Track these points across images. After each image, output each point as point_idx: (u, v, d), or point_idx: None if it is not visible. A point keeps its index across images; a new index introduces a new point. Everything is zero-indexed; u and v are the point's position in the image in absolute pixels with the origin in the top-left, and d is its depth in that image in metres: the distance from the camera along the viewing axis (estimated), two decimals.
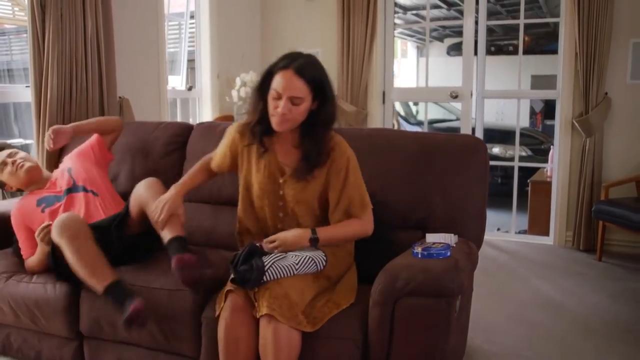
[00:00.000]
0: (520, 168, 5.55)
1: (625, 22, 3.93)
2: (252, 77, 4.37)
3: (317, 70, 1.93)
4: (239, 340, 1.80)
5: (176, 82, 4.51)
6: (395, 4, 4.97)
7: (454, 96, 4.54)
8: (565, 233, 4.23)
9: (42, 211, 2.43)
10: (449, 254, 1.82)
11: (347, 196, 1.95)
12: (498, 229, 4.94)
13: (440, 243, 1.89)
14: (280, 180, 1.99)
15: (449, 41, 10.45)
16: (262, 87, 1.93)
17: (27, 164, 2.52)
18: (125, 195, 2.64)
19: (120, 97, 3.46)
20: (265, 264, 1.79)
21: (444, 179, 2.25)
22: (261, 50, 5.04)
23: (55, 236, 2.09)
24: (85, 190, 2.50)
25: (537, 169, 5.34)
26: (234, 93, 4.34)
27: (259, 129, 1.99)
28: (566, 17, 4.06)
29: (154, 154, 2.86)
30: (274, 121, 1.90)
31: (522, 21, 4.50)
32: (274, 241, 1.89)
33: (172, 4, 4.50)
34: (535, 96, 8.15)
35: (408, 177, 2.29)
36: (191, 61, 4.62)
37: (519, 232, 4.73)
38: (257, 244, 1.89)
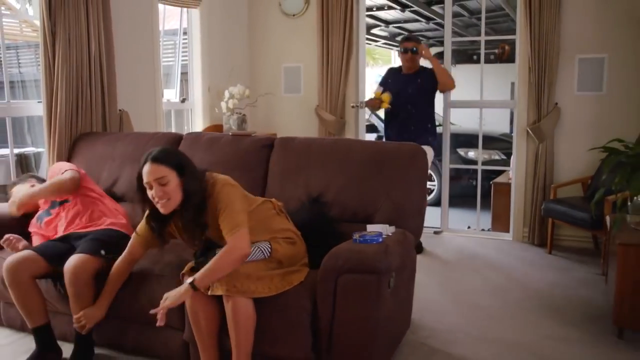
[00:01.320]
0: (492, 171, 6.00)
1: (572, 40, 4.38)
2: (239, 90, 4.82)
3: (171, 154, 2.35)
4: (199, 317, 2.26)
5: (171, 94, 4.98)
6: (379, 19, 5.43)
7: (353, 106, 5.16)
8: (522, 229, 4.68)
9: (41, 225, 2.91)
10: (380, 240, 2.27)
11: (222, 224, 2.24)
12: (469, 227, 5.37)
13: (375, 232, 2.34)
14: (197, 242, 2.42)
15: (434, 50, 10.88)
16: (140, 189, 2.32)
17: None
18: (125, 197, 3.15)
19: (120, 110, 3.91)
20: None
21: (388, 181, 2.71)
22: (249, 65, 5.50)
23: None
24: (60, 203, 2.92)
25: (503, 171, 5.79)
26: (223, 104, 4.79)
27: (155, 224, 2.39)
28: (520, 34, 4.51)
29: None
30: (160, 208, 2.28)
31: (482, 38, 4.97)
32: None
33: (167, 21, 4.97)
34: (495, 106, 8.36)
35: (360, 180, 2.75)
36: (185, 74, 5.08)
37: (486, 230, 5.16)
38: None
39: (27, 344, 2.70)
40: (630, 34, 4.24)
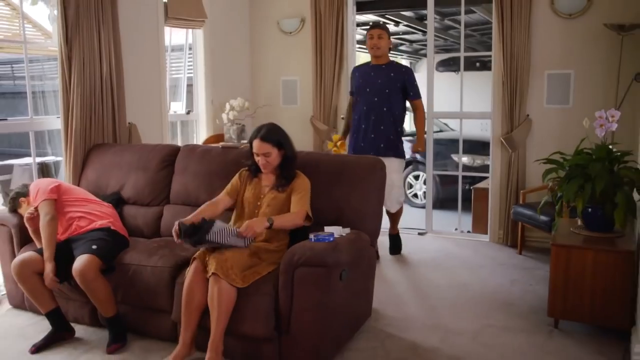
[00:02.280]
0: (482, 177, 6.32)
1: (541, 57, 4.75)
2: (239, 102, 5.30)
3: (275, 133, 3.05)
4: (194, 293, 2.74)
5: (178, 106, 5.47)
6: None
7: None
8: (498, 232, 5.05)
9: None
10: (332, 239, 2.71)
11: (296, 199, 2.96)
12: (455, 229, 5.75)
13: (329, 232, 2.78)
14: (261, 196, 3.05)
15: (438, 57, 11.26)
16: (251, 151, 3.11)
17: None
18: (129, 200, 3.65)
19: (129, 123, 4.40)
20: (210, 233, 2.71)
21: (350, 189, 3.15)
22: (250, 78, 5.97)
23: None
24: None
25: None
26: (224, 116, 5.28)
27: (253, 169, 3.14)
28: (494, 51, 4.89)
29: (150, 169, 3.80)
30: (262, 168, 3.09)
31: (462, 54, 5.36)
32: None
33: (174, 37, 5.46)
34: (474, 117, 8.49)
35: (326, 188, 3.18)
36: (190, 86, 5.57)
37: (466, 232, 5.54)
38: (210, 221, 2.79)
39: (47, 325, 3.19)
40: (593, 51, 4.59)
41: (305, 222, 2.96)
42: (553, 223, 3.38)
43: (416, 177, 7.63)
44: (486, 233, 5.22)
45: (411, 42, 9.33)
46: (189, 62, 5.55)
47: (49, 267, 3.03)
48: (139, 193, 3.78)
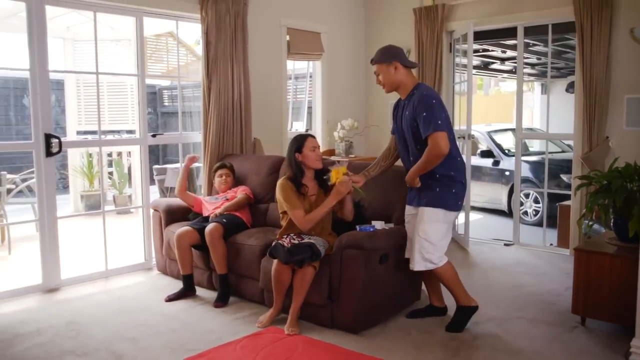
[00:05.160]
0: None
1: (621, 81, 5.04)
2: (350, 123, 6.23)
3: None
4: (282, 276, 3.58)
5: (299, 125, 6.55)
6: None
7: (460, 137, 5.87)
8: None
9: (209, 201, 4.67)
10: (372, 229, 3.51)
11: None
12: (551, 244, 6.09)
13: (372, 225, 3.58)
14: (315, 205, 3.75)
15: (571, 78, 11.17)
16: (295, 161, 3.79)
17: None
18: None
19: (254, 138, 5.54)
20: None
21: (400, 195, 3.89)
22: (364, 102, 6.88)
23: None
24: (224, 199, 4.61)
25: None
26: (335, 134, 6.24)
27: (296, 183, 3.78)
28: (577, 75, 5.26)
29: (262, 174, 4.86)
30: (314, 162, 3.77)
31: (548, 79, 5.75)
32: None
33: (298, 66, 6.55)
34: (558, 138, 8.52)
35: (382, 191, 3.96)
36: (310, 108, 6.62)
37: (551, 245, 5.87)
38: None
39: (180, 285, 4.37)
40: None
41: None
42: (586, 232, 3.81)
43: (526, 195, 7.92)
44: (568, 247, 5.54)
45: (532, 65, 9.59)
46: (310, 88, 6.62)
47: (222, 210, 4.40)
48: (253, 193, 4.86)
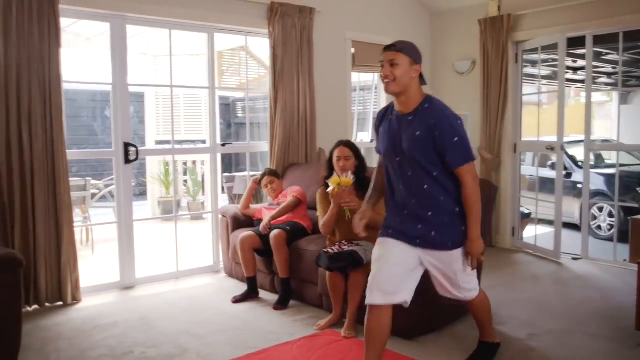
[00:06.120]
0: None
1: None
2: None
3: (353, 145, 3.97)
4: (337, 283, 3.78)
5: (364, 136, 6.67)
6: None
7: (549, 148, 5.80)
8: None
9: (265, 206, 4.86)
10: None
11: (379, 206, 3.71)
12: (624, 260, 5.88)
13: None
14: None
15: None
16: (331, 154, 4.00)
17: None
18: (309, 205, 4.89)
19: (319, 148, 5.72)
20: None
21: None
22: None
23: None
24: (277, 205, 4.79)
25: None
26: None
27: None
28: None
29: (320, 182, 5.02)
30: (340, 169, 3.88)
31: (619, 89, 5.57)
32: None
33: (362, 78, 6.69)
34: (631, 149, 8.01)
35: None
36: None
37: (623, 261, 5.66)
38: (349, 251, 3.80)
39: (244, 287, 4.59)
40: None
41: None
42: None
43: (600, 209, 7.65)
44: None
45: (608, 74, 9.20)
46: (375, 98, 6.74)
47: (266, 220, 4.51)
48: (313, 200, 5.02)
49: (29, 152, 4.07)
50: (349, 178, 3.60)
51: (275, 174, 5.03)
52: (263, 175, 5.00)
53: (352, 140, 6.14)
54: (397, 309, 2.95)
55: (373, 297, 2.82)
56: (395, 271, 2.81)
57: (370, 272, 2.87)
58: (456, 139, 2.68)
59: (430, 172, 2.74)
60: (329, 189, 3.66)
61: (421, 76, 2.82)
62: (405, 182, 2.80)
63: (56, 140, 4.18)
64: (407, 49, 2.78)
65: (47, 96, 4.13)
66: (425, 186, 2.76)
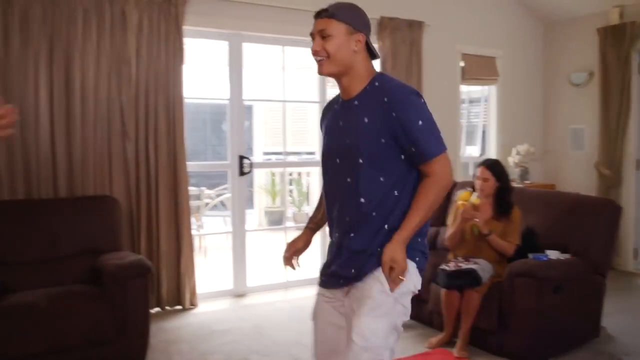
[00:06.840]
0: None
1: None
2: (525, 148, 6.07)
3: (497, 165, 3.83)
4: (452, 303, 3.70)
5: (473, 150, 6.52)
6: None
7: None
8: None
9: None
10: (545, 259, 3.43)
11: (512, 233, 3.69)
12: None
13: (545, 254, 3.50)
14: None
15: None
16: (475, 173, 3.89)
17: None
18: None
19: None
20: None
21: (577, 223, 3.75)
22: (541, 126, 6.64)
23: None
24: None
25: None
26: (510, 159, 6.11)
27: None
28: None
29: None
30: (479, 190, 3.81)
31: None
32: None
33: (471, 89, 6.55)
34: None
35: (558, 220, 3.85)
36: (484, 132, 6.56)
37: None
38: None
39: None
40: None
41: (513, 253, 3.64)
42: None
43: None
44: None
45: None
46: (484, 112, 6.57)
47: None
48: None
49: (155, 163, 4.37)
50: (475, 198, 3.72)
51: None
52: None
53: (459, 153, 6.07)
54: (510, 331, 2.85)
55: None
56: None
57: None
58: (421, 122, 1.96)
59: (377, 173, 1.99)
60: (460, 201, 3.79)
61: (369, 48, 2.08)
62: (335, 189, 2.12)
63: (178, 152, 4.45)
64: (342, 13, 2.00)
65: (171, 111, 4.42)
66: (346, 196, 2.06)
